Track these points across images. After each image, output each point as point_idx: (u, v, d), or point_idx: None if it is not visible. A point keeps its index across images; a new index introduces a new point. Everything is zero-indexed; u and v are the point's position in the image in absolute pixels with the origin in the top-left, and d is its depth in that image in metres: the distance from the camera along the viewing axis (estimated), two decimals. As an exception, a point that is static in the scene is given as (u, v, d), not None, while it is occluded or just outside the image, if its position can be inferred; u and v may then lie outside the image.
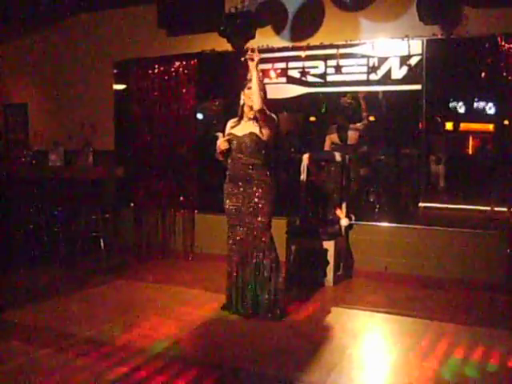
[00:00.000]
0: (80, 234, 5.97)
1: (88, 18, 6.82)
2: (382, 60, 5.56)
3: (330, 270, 5.12)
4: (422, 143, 5.71)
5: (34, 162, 6.82)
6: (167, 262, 6.19)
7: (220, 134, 4.17)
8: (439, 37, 5.10)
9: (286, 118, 7.42)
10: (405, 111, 6.11)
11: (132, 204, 6.59)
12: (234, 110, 4.34)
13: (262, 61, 4.58)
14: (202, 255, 6.24)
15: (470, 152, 9.40)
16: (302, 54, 5.72)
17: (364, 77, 5.71)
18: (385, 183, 7.18)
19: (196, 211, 6.33)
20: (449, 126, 8.95)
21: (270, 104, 4.13)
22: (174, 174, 6.33)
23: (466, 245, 5.07)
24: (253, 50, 3.94)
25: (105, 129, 6.72)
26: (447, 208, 6.45)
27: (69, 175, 6.42)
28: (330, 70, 5.83)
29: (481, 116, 8.63)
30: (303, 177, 5.63)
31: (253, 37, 5.43)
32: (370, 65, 5.63)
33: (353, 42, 5.51)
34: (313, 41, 5.62)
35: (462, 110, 8.71)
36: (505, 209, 4.99)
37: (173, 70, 6.26)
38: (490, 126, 8.54)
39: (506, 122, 5.00)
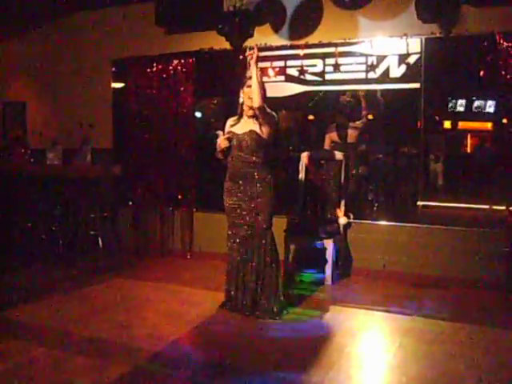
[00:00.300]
0: (78, 233, 5.97)
1: (86, 17, 6.80)
2: (381, 58, 5.55)
3: (328, 268, 5.12)
4: (421, 142, 5.71)
5: (32, 160, 6.80)
6: (166, 261, 6.19)
7: (220, 133, 4.17)
8: (438, 35, 5.10)
9: (285, 117, 7.42)
10: (403, 110, 6.11)
11: (130, 202, 6.58)
12: (232, 109, 4.34)
13: (261, 59, 4.58)
14: (200, 254, 6.24)
15: (469, 150, 9.41)
16: (301, 52, 5.72)
17: (362, 75, 5.69)
18: (383, 182, 7.19)
19: (195, 209, 6.33)
20: (447, 124, 8.96)
21: (269, 102, 4.14)
22: (172, 172, 6.32)
23: (465, 243, 5.07)
24: (252, 49, 3.94)
25: (103, 127, 6.70)
26: (445, 206, 6.46)
27: (67, 174, 6.41)
28: (329, 69, 5.82)
29: (479, 114, 8.65)
30: (302, 175, 5.63)
31: (251, 35, 5.43)
32: (369, 63, 5.62)
33: (351, 41, 5.51)
34: (311, 39, 5.62)
35: (460, 108, 8.72)
36: (503, 207, 4.99)
37: (171, 68, 6.26)
38: (489, 125, 8.56)
39: (505, 121, 5.00)
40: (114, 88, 6.80)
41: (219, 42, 5.70)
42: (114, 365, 3.20)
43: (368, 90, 6.13)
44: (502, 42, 4.78)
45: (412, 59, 5.38)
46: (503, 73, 4.81)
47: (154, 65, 6.33)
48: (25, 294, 4.67)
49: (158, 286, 5.05)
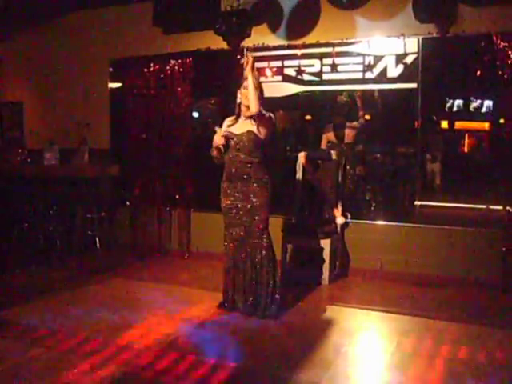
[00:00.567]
0: (76, 233, 5.96)
1: (83, 17, 6.80)
2: (378, 58, 5.55)
3: (325, 268, 5.13)
4: (418, 142, 5.71)
5: (29, 160, 6.78)
6: (163, 261, 6.18)
7: (218, 129, 4.14)
8: (435, 35, 5.12)
9: (282, 117, 7.41)
10: (400, 109, 6.10)
11: (128, 203, 6.58)
12: (230, 109, 4.33)
13: (258, 59, 4.57)
14: (198, 254, 6.24)
15: (466, 150, 9.41)
16: (298, 52, 5.73)
17: (360, 75, 5.69)
18: (381, 181, 7.19)
19: (192, 209, 6.33)
20: (444, 124, 8.96)
21: (266, 102, 4.13)
22: (169, 172, 6.32)
23: (462, 243, 5.08)
24: (248, 49, 3.93)
25: (100, 127, 6.70)
26: (443, 206, 6.47)
27: (64, 174, 6.40)
28: (326, 69, 5.82)
29: (476, 114, 8.64)
30: (299, 175, 5.63)
31: (248, 35, 5.42)
32: (366, 63, 5.62)
33: (349, 41, 5.52)
34: (309, 39, 5.62)
35: (457, 108, 8.72)
36: (500, 207, 5.00)
37: (168, 68, 6.26)
38: (486, 125, 8.55)
39: (502, 121, 5.01)
40: (112, 88, 6.80)
41: (216, 42, 5.70)
42: (112, 365, 3.19)
43: (365, 90, 6.13)
44: (498, 41, 4.80)
45: (409, 59, 5.39)
46: (500, 73, 4.82)
47: (152, 65, 6.34)
48: (22, 294, 4.67)
49: (156, 286, 5.04)
